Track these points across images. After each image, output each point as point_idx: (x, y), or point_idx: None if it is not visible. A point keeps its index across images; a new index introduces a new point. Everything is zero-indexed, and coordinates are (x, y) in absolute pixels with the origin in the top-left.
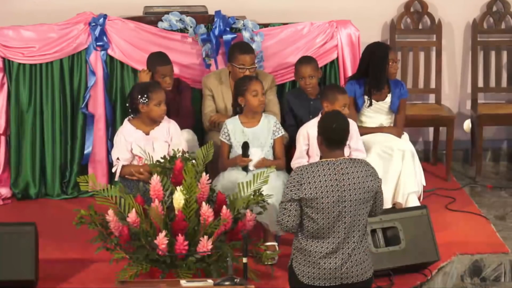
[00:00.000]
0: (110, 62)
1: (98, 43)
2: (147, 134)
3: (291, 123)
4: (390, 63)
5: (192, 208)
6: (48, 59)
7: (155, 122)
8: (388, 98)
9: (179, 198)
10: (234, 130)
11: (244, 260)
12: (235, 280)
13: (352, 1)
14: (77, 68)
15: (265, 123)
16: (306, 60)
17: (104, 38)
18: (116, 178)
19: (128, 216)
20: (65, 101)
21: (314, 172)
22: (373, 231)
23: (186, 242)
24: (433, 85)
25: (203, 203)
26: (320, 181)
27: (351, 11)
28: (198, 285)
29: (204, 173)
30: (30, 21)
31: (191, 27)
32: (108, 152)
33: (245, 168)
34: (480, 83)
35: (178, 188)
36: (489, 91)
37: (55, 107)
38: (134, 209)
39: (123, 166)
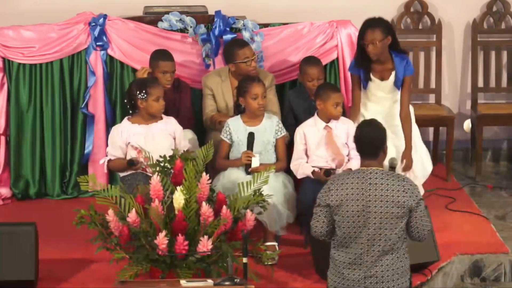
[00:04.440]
0: (110, 62)
1: (97, 43)
2: (147, 125)
3: (292, 122)
4: (364, 43)
5: (192, 208)
6: (48, 59)
7: (154, 117)
8: (392, 77)
9: (179, 198)
10: (237, 129)
11: (244, 260)
12: (235, 280)
13: (352, 1)
14: (77, 68)
15: (268, 122)
16: (315, 61)
17: (104, 38)
18: (105, 170)
19: (128, 216)
20: (65, 101)
21: (343, 180)
22: None
23: (186, 242)
24: (433, 85)
25: (203, 203)
26: (346, 189)
27: (351, 11)
28: (198, 285)
29: (204, 173)
30: (30, 21)
31: (191, 27)
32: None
33: (247, 170)
34: (480, 83)
35: (178, 188)
36: (489, 91)
37: (55, 107)
38: (134, 209)
39: (109, 161)
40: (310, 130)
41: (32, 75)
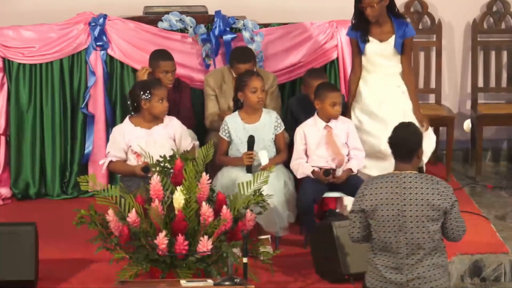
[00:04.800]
0: (110, 62)
1: (97, 43)
2: (149, 130)
3: (291, 126)
4: (362, 6)
5: (192, 208)
6: (48, 59)
7: (157, 119)
8: (392, 39)
9: (179, 198)
10: (235, 127)
11: (244, 260)
12: (235, 280)
13: (352, 1)
14: (77, 68)
15: (267, 118)
16: (319, 74)
17: (104, 38)
18: (102, 171)
19: (128, 216)
20: (65, 101)
21: (377, 184)
22: None
23: (186, 242)
24: (433, 85)
25: (203, 203)
26: (381, 193)
27: (351, 11)
28: (198, 285)
29: (204, 173)
30: (30, 21)
31: (191, 27)
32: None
33: (249, 169)
34: (480, 83)
35: (178, 188)
36: (489, 91)
37: (55, 107)
38: (134, 209)
39: (111, 162)
40: (310, 130)
41: (32, 75)
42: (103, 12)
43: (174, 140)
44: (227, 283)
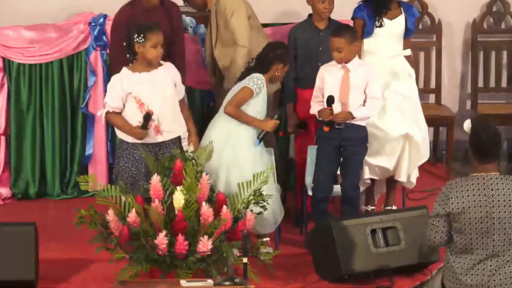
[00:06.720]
0: (110, 62)
1: (97, 43)
2: (148, 73)
3: (292, 74)
4: None
5: (192, 208)
6: (48, 59)
7: (151, 65)
8: (401, 18)
9: (179, 198)
10: (265, 90)
11: (244, 260)
12: (235, 280)
13: (352, 1)
14: (77, 68)
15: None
16: None
17: (104, 38)
18: (102, 122)
19: (128, 216)
20: (65, 101)
21: (463, 187)
22: (373, 231)
23: (186, 242)
24: (433, 85)
25: (203, 203)
26: (468, 196)
27: (351, 11)
28: (198, 285)
29: (204, 173)
30: (30, 21)
31: (191, 27)
32: (108, 153)
33: (260, 136)
34: (480, 83)
35: (178, 188)
36: (489, 91)
37: (55, 107)
38: (134, 209)
39: (108, 113)
40: (331, 69)
41: (32, 75)
42: (103, 12)
43: (175, 85)
44: (227, 283)
